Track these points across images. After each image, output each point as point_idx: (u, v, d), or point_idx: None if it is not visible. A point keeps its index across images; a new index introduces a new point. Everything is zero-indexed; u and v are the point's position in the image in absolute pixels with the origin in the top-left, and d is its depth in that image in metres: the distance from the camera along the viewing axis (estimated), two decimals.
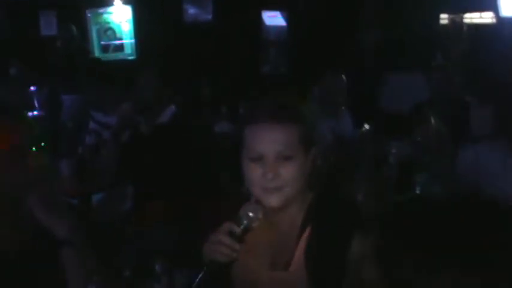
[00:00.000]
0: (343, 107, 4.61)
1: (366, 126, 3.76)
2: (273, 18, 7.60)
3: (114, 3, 8.16)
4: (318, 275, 1.67)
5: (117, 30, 8.22)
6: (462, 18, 6.79)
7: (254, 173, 1.71)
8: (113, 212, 3.70)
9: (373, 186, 3.11)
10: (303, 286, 1.68)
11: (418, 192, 3.09)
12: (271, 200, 1.71)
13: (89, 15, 8.22)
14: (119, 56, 8.13)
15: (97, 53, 8.14)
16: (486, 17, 6.67)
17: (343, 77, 4.56)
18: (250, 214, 1.68)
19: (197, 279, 1.61)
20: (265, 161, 1.70)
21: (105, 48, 8.24)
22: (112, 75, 4.65)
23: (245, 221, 1.68)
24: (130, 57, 8.05)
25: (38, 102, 5.97)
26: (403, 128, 3.83)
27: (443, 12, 6.84)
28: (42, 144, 1.72)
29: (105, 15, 8.25)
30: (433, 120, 3.61)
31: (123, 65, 7.55)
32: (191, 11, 7.64)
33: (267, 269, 1.77)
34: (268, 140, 1.71)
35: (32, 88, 6.04)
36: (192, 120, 3.90)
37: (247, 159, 1.73)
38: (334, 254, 1.64)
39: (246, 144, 1.74)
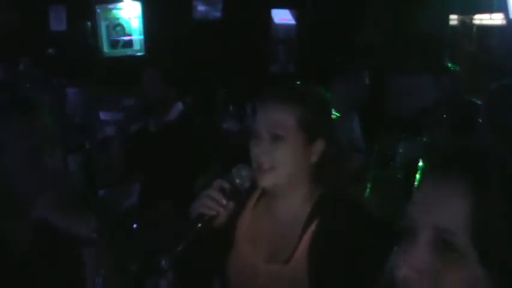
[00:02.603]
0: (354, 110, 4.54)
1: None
2: (283, 17, 7.59)
3: None
4: (320, 274, 1.63)
5: (126, 26, 8.24)
6: (472, 19, 6.77)
7: (252, 151, 1.71)
8: (118, 207, 3.71)
9: (380, 187, 3.11)
10: (301, 283, 1.65)
11: None
12: (262, 179, 1.68)
13: (98, 11, 8.24)
14: (128, 52, 8.16)
15: (106, 48, 8.17)
16: (496, 19, 6.65)
17: (359, 78, 4.36)
18: (243, 173, 1.68)
19: (184, 240, 1.58)
20: (260, 139, 1.70)
21: (114, 44, 8.26)
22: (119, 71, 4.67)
23: (237, 180, 1.67)
24: (139, 54, 8.07)
25: (45, 97, 5.98)
26: (411, 129, 3.82)
27: (453, 13, 6.82)
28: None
29: (114, 11, 8.27)
30: (442, 122, 3.61)
31: (132, 61, 7.57)
32: (201, 8, 7.65)
33: (265, 261, 1.73)
34: (263, 118, 1.71)
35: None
36: (199, 118, 3.90)
37: (251, 138, 1.73)
38: (340, 255, 1.61)
39: None
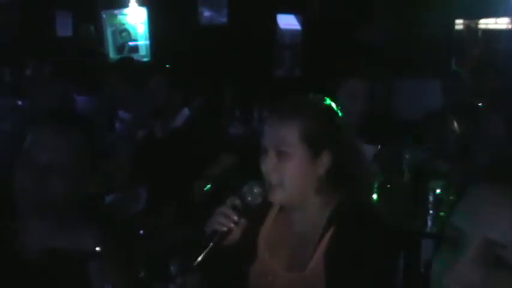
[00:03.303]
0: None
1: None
2: (288, 22, 7.60)
3: (130, 4, 8.21)
4: (337, 282, 1.66)
5: (132, 31, 8.27)
6: (477, 24, 6.76)
7: (262, 168, 1.75)
8: (126, 213, 3.71)
9: (387, 192, 3.11)
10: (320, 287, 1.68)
11: (431, 198, 3.09)
12: (272, 195, 1.74)
13: (104, 16, 8.27)
14: (134, 57, 8.18)
15: (112, 54, 8.19)
16: (501, 23, 6.64)
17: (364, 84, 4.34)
18: (255, 190, 1.73)
19: (201, 255, 1.64)
20: (267, 156, 1.74)
21: (120, 50, 8.29)
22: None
23: (248, 197, 1.73)
24: (145, 59, 8.09)
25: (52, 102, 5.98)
26: (417, 134, 3.81)
27: (459, 17, 6.82)
28: None
29: (120, 17, 8.30)
30: (451, 126, 3.60)
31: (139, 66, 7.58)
32: (206, 13, 7.66)
33: (284, 269, 1.78)
34: (268, 134, 1.76)
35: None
36: (206, 124, 3.90)
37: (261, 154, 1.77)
38: (355, 262, 1.63)
39: None
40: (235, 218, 1.69)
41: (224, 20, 7.58)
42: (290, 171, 1.71)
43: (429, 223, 3.09)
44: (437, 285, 0.92)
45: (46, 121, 1.76)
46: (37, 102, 4.56)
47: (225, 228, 1.69)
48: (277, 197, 1.74)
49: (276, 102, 1.81)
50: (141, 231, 2.96)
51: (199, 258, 1.64)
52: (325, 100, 1.82)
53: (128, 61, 5.16)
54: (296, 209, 1.79)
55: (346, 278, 1.63)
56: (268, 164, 1.72)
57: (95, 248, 1.61)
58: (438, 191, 3.07)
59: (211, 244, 1.67)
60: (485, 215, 0.89)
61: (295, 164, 1.71)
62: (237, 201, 1.72)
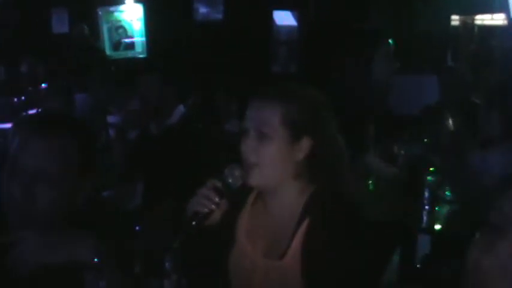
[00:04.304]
0: None
1: None
2: (284, 18, 7.60)
3: (126, 1, 8.21)
4: (313, 271, 1.67)
5: (128, 28, 8.26)
6: (473, 20, 6.77)
7: (241, 148, 1.76)
8: (122, 209, 3.71)
9: (382, 186, 3.12)
10: (295, 278, 1.69)
11: (426, 194, 3.09)
12: (249, 176, 1.74)
13: (100, 13, 8.26)
14: (130, 54, 8.17)
15: (108, 50, 8.18)
16: (497, 19, 6.65)
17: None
18: (236, 173, 1.74)
19: (179, 237, 1.67)
20: (247, 136, 1.75)
21: (116, 46, 8.28)
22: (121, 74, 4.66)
23: (229, 179, 1.74)
24: (141, 56, 8.09)
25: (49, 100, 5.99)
26: (412, 129, 3.82)
27: (455, 13, 6.82)
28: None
29: (116, 14, 8.29)
30: (446, 121, 3.61)
31: (133, 63, 7.58)
32: (202, 10, 7.66)
33: (262, 255, 1.79)
34: (249, 115, 1.78)
35: (43, 85, 6.07)
36: (201, 120, 3.91)
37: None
38: (331, 254, 1.64)
39: None
40: (216, 199, 1.70)
41: (220, 16, 7.58)
42: (268, 152, 1.72)
43: (425, 218, 3.10)
44: (476, 266, 0.92)
45: (34, 124, 1.66)
46: (37, 101, 4.56)
47: (206, 210, 1.69)
48: (254, 177, 1.74)
49: (260, 88, 1.83)
50: (137, 227, 2.96)
51: (180, 239, 1.66)
52: (311, 89, 1.83)
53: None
54: (273, 194, 1.79)
55: (321, 269, 1.64)
56: (248, 145, 1.73)
57: (91, 259, 1.55)
58: (433, 186, 3.08)
59: (192, 224, 1.68)
60: None
61: (274, 146, 1.72)
62: (218, 183, 1.72)
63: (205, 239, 1.76)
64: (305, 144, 1.75)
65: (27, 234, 1.57)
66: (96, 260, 1.56)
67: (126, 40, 8.28)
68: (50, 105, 4.50)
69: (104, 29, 8.29)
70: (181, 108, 3.68)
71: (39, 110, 4.63)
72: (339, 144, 1.81)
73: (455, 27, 6.87)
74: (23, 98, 5.93)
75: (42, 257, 1.55)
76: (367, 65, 3.48)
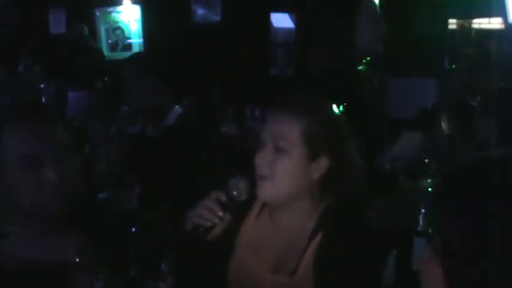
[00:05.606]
0: None
1: None
2: (282, 20, 7.60)
3: (123, 2, 8.21)
4: (326, 286, 1.62)
5: (125, 29, 8.26)
6: (471, 23, 6.78)
7: (256, 160, 1.69)
8: (119, 211, 3.71)
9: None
10: None
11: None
12: (261, 189, 1.67)
13: (97, 14, 8.26)
14: (127, 55, 8.16)
15: (105, 51, 8.18)
16: (495, 23, 6.66)
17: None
18: (241, 185, 1.66)
19: (179, 250, 1.63)
20: (264, 149, 1.68)
21: (113, 47, 8.28)
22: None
23: (234, 192, 1.66)
24: None
25: (45, 99, 5.99)
26: (410, 128, 3.82)
27: (452, 17, 6.83)
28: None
29: (114, 15, 8.30)
30: (442, 124, 3.61)
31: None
32: (200, 11, 7.66)
33: (269, 272, 1.71)
34: (269, 128, 1.70)
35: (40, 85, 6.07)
36: (199, 122, 3.90)
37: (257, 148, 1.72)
38: (345, 267, 1.60)
39: None
40: (220, 213, 1.63)
41: (218, 18, 7.58)
42: (284, 168, 1.65)
43: (421, 222, 3.10)
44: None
45: (15, 115, 1.60)
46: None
47: (208, 223, 1.63)
48: (266, 191, 1.67)
49: (274, 99, 1.76)
50: (133, 229, 2.96)
51: (178, 253, 1.61)
52: (331, 105, 1.77)
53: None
54: (283, 208, 1.73)
55: (335, 282, 1.60)
56: (263, 157, 1.66)
57: (74, 258, 1.53)
58: (429, 189, 3.08)
59: (192, 237, 1.62)
60: None
61: (291, 162, 1.65)
62: (222, 196, 1.65)
63: (204, 250, 1.70)
64: (323, 163, 1.68)
65: (15, 227, 1.56)
66: (78, 259, 1.54)
67: (124, 41, 8.28)
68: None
69: (102, 30, 8.29)
70: (178, 110, 3.67)
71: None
72: (357, 164, 1.74)
73: (452, 30, 6.89)
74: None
75: (27, 252, 1.55)
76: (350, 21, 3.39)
